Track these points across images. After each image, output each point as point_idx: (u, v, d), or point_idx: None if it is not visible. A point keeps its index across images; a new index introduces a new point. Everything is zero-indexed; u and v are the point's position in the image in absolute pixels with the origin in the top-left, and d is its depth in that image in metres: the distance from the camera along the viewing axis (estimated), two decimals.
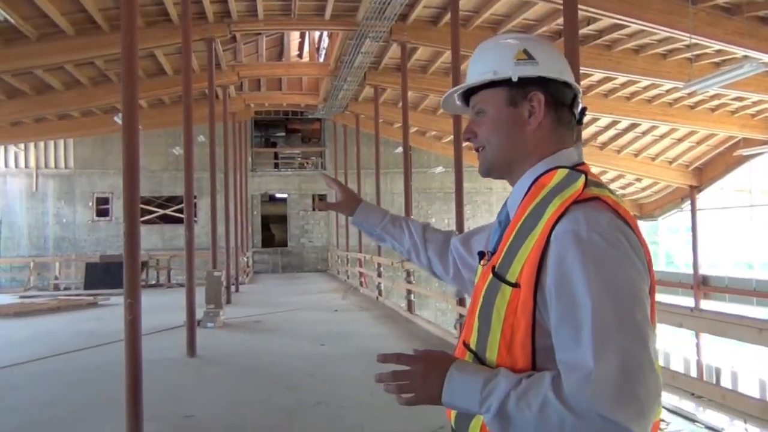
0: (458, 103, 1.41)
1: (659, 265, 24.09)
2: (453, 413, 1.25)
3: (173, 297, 13.42)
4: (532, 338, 1.12)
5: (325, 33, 18.13)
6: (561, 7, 7.58)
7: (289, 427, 5.23)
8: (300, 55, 21.22)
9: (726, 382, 5.48)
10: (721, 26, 9.94)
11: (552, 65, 1.27)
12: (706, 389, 4.70)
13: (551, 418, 1.01)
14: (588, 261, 1.06)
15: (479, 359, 1.19)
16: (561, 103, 1.28)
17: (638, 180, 21.02)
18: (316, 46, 20.11)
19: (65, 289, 19.65)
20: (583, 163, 1.25)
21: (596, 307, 1.03)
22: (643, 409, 1.00)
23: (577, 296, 1.05)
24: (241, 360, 7.91)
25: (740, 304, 16.32)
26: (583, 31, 11.19)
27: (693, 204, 19.37)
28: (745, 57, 10.54)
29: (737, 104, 15.24)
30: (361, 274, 17.88)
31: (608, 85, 14.87)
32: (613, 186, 21.31)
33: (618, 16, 10.20)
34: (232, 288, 15.38)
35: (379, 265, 15.07)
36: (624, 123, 17.57)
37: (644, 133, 18.24)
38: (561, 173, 1.19)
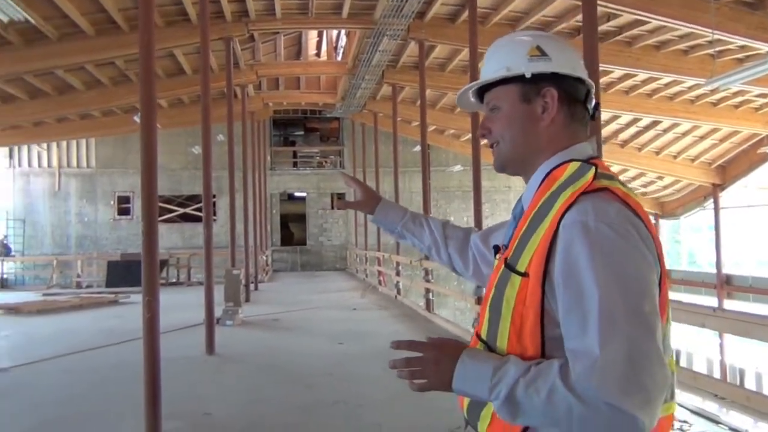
0: (473, 100, 1.42)
1: (681, 264, 23.83)
2: (466, 402, 1.26)
3: (193, 295, 13.50)
4: (541, 327, 1.13)
5: (343, 31, 18.14)
6: (580, 4, 7.48)
7: (307, 426, 5.23)
8: (318, 54, 21.25)
9: (750, 384, 5.38)
10: (744, 21, 9.75)
11: (565, 61, 1.28)
12: (730, 390, 4.62)
13: (559, 405, 1.02)
14: (595, 251, 1.07)
15: (490, 349, 1.20)
16: (574, 98, 1.29)
17: (660, 178, 20.78)
18: (334, 44, 20.12)
19: (87, 286, 19.88)
20: (596, 157, 1.26)
21: (603, 296, 1.04)
22: (649, 398, 1.00)
23: (585, 285, 1.06)
24: (259, 358, 7.93)
25: (765, 304, 16.03)
26: (602, 27, 11.07)
27: (716, 202, 19.08)
28: None
29: (761, 101, 14.99)
30: (379, 272, 17.87)
31: (629, 82, 14.70)
32: (634, 184, 21.26)
33: (638, 12, 10.08)
34: (251, 286, 15.45)
35: (398, 263, 15.05)
36: (645, 120, 17.37)
37: (666, 131, 18.01)
38: (573, 166, 1.20)
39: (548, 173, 1.23)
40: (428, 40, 13.19)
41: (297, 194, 26.66)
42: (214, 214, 22.09)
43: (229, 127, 12.52)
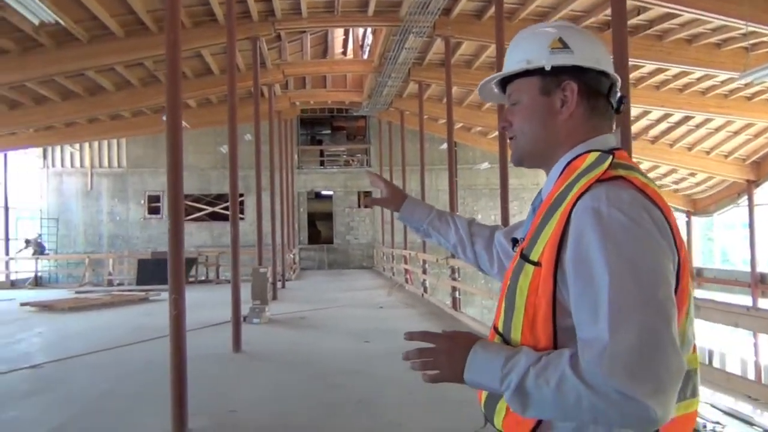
0: (496, 91, 1.42)
1: (714, 262, 23.38)
2: (483, 396, 1.24)
3: (221, 293, 13.61)
4: (553, 317, 1.11)
5: (369, 29, 18.13)
6: None
7: (331, 424, 5.22)
8: (344, 53, 21.27)
9: None
10: None
11: (588, 54, 1.25)
12: (764, 392, 4.49)
13: (568, 394, 1.00)
14: (607, 237, 1.05)
15: (506, 341, 1.19)
16: (597, 92, 1.26)
17: (692, 175, 20.39)
18: (360, 42, 20.12)
19: (118, 284, 20.19)
20: (619, 149, 1.22)
21: (614, 283, 1.01)
22: (662, 387, 0.96)
23: (596, 272, 1.04)
24: (285, 356, 7.96)
25: None
26: (632, 21, 10.89)
27: (750, 199, 18.66)
28: None
29: None
30: (406, 270, 17.84)
31: (660, 77, 14.43)
32: (665, 181, 20.91)
33: (669, 5, 9.88)
34: (279, 284, 15.54)
35: (425, 261, 15.01)
36: (677, 116, 17.03)
37: (698, 126, 17.64)
38: (592, 156, 1.18)
39: (568, 164, 1.22)
40: (454, 36, 13.11)
41: (324, 193, 26.79)
42: (242, 213, 22.28)
43: (256, 127, 12.60)
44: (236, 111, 8.79)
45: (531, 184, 24.29)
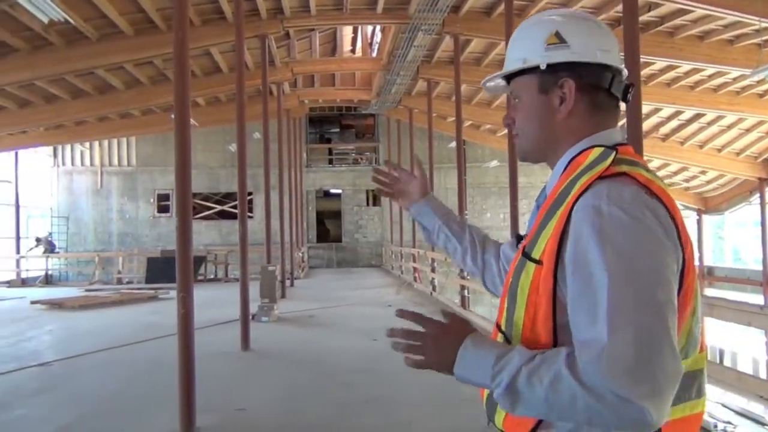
0: (502, 84, 1.38)
1: (726, 261, 23.20)
2: (485, 394, 1.21)
3: (230, 291, 13.62)
4: (553, 315, 1.09)
5: (378, 27, 18.10)
6: None
7: (340, 422, 5.20)
8: (353, 51, 21.26)
9: None
10: None
11: (586, 47, 1.21)
12: None
13: (562, 393, 0.98)
14: (607, 235, 1.02)
15: (507, 338, 1.17)
16: (597, 86, 1.21)
17: (703, 172, 20.25)
18: (369, 40, 20.11)
19: (128, 282, 20.28)
20: (623, 144, 1.19)
21: (613, 283, 1.00)
22: (659, 389, 0.95)
23: (594, 271, 1.02)
24: (294, 354, 7.96)
25: None
26: (643, 17, 10.80)
27: (762, 197, 18.52)
28: None
29: None
30: (415, 269, 17.82)
31: (671, 74, 14.32)
32: (676, 179, 20.77)
33: (681, 1, 9.81)
34: (287, 283, 15.55)
35: (433, 260, 14.97)
36: (688, 113, 16.91)
37: (709, 124, 17.50)
38: (596, 151, 1.15)
39: (572, 159, 1.19)
40: (463, 34, 13.06)
41: (333, 191, 26.80)
42: (251, 212, 22.31)
43: (264, 125, 12.60)
44: (245, 109, 8.80)
45: (540, 182, 24.15)
